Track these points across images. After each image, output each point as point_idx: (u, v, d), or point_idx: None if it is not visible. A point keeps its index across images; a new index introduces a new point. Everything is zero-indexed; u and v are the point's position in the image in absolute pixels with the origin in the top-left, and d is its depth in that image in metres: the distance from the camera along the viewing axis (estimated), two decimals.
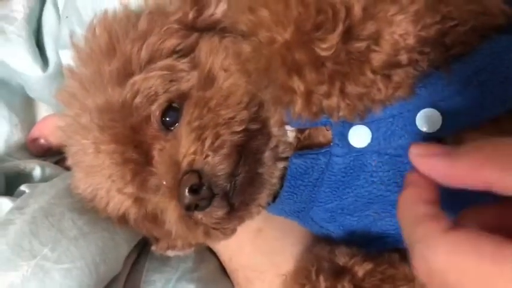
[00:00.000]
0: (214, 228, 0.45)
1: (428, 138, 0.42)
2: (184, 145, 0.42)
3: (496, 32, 0.41)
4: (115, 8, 0.51)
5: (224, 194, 0.43)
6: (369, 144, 0.44)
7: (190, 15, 0.48)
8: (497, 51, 0.41)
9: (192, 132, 0.42)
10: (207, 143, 0.42)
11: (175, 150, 0.43)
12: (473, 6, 0.38)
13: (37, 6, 0.71)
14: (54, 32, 0.71)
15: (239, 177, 0.44)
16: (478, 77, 0.40)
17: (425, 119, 0.42)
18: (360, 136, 0.44)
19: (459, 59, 0.39)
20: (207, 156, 0.42)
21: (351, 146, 0.45)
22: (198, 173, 0.42)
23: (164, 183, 0.44)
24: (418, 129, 0.42)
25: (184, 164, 0.42)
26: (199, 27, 0.49)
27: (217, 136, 0.42)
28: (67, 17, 0.66)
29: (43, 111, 0.77)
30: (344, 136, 0.45)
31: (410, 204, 0.34)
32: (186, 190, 0.41)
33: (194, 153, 0.42)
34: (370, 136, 0.44)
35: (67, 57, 0.67)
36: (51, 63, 0.71)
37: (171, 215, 0.44)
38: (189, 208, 0.42)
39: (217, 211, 0.43)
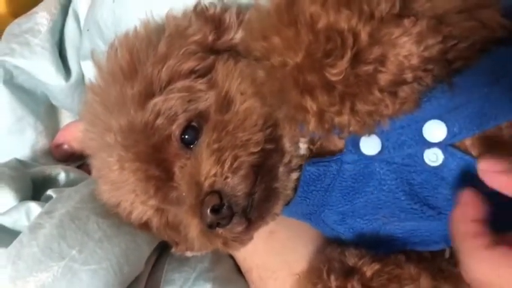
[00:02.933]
0: (233, 240, 0.48)
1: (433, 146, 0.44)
2: (205, 167, 0.45)
3: (496, 45, 0.42)
4: (135, 27, 0.53)
5: (243, 212, 0.46)
6: (379, 153, 0.46)
7: (210, 38, 0.50)
8: (499, 62, 0.43)
9: (212, 154, 0.45)
10: (227, 165, 0.44)
11: (196, 170, 0.45)
12: (473, 22, 0.40)
13: (60, 19, 0.75)
14: (76, 44, 0.75)
15: (256, 195, 0.46)
16: (480, 89, 0.42)
17: (431, 130, 0.44)
18: (370, 144, 0.47)
19: (461, 73, 0.41)
20: (226, 177, 0.44)
21: (362, 153, 0.47)
22: (219, 194, 0.44)
23: (184, 194, 0.47)
24: (425, 139, 0.44)
25: (206, 185, 0.45)
26: (216, 49, 0.51)
27: (235, 158, 0.45)
28: (88, 30, 0.69)
29: (66, 118, 0.80)
30: (356, 144, 0.47)
31: (460, 222, 0.40)
32: (208, 210, 0.44)
33: (215, 175, 0.44)
34: (380, 145, 0.46)
35: (88, 68, 0.71)
36: (73, 73, 0.74)
37: (194, 230, 0.47)
38: (211, 226, 0.45)
39: (237, 227, 0.46)
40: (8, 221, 0.59)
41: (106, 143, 0.49)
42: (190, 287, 0.58)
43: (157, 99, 0.46)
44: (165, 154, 0.48)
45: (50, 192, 0.62)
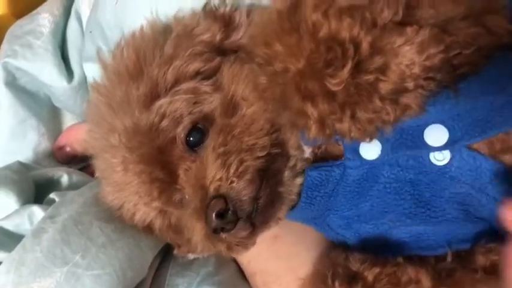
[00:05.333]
0: (236, 245, 0.47)
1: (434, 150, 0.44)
2: (211, 171, 0.45)
3: (503, 50, 0.42)
4: (142, 26, 0.52)
5: (247, 217, 0.45)
6: (380, 156, 0.46)
7: (218, 37, 0.50)
8: (505, 69, 0.43)
9: (217, 158, 0.45)
10: (232, 169, 0.44)
11: (202, 173, 0.45)
12: (476, 29, 0.39)
13: (62, 20, 0.75)
14: (78, 46, 0.74)
15: (261, 200, 0.46)
16: (485, 97, 0.42)
17: (432, 134, 0.44)
18: (370, 149, 0.47)
19: (467, 78, 0.41)
20: (232, 182, 0.44)
21: (363, 159, 0.47)
22: (224, 198, 0.44)
23: (187, 197, 0.47)
24: (426, 142, 0.44)
25: (211, 190, 0.45)
26: (223, 49, 0.51)
27: (241, 162, 0.45)
28: (91, 32, 0.69)
29: (68, 120, 0.79)
30: (355, 150, 0.47)
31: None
32: (214, 215, 0.44)
33: (220, 179, 0.44)
34: (380, 148, 0.46)
35: (90, 70, 0.71)
36: (76, 75, 0.74)
37: (198, 234, 0.47)
38: (216, 231, 0.45)
39: (241, 232, 0.46)
40: (10, 225, 0.59)
41: (110, 144, 0.49)
42: None
43: (163, 101, 0.46)
44: (170, 156, 0.48)
45: (52, 195, 0.62)
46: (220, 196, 0.44)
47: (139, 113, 0.46)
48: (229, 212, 0.44)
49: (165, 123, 0.46)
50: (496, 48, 0.41)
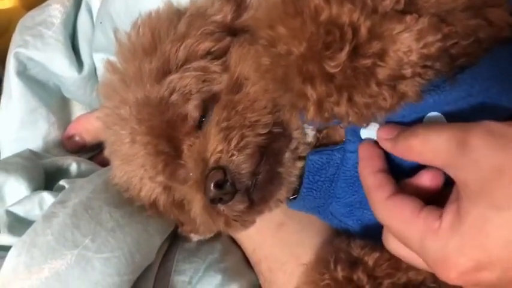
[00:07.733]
0: (234, 220, 0.48)
1: None
2: (212, 144, 0.46)
3: (503, 43, 0.43)
4: (158, 7, 0.54)
5: (245, 190, 0.46)
6: None
7: (229, 16, 0.52)
8: (502, 60, 0.43)
9: (220, 132, 0.46)
10: (233, 143, 0.45)
11: (204, 147, 0.47)
12: (476, 20, 0.40)
13: (72, 11, 0.76)
14: (89, 36, 0.75)
15: (260, 176, 0.47)
16: (481, 83, 0.42)
17: (431, 121, 0.44)
18: (370, 132, 0.47)
19: (464, 70, 0.42)
20: (232, 155, 0.45)
21: (363, 140, 0.48)
22: (223, 170, 0.45)
23: (191, 174, 0.48)
24: None
25: (212, 161, 0.46)
26: (234, 29, 0.52)
27: (242, 137, 0.46)
28: (101, 22, 0.70)
29: (78, 110, 0.80)
30: (356, 132, 0.48)
31: (363, 176, 0.45)
32: (212, 185, 0.45)
33: (221, 151, 0.45)
34: None
35: (100, 60, 0.72)
36: (86, 65, 0.75)
37: (197, 205, 0.48)
38: (213, 201, 0.46)
39: (239, 205, 0.47)
40: (20, 210, 0.60)
41: (120, 116, 0.50)
42: (201, 277, 0.59)
43: (173, 77, 0.48)
44: (177, 132, 0.49)
45: (62, 182, 0.63)
46: (219, 167, 0.45)
47: (151, 86, 0.48)
48: (228, 183, 0.45)
49: (174, 97, 0.48)
50: (496, 41, 0.42)
